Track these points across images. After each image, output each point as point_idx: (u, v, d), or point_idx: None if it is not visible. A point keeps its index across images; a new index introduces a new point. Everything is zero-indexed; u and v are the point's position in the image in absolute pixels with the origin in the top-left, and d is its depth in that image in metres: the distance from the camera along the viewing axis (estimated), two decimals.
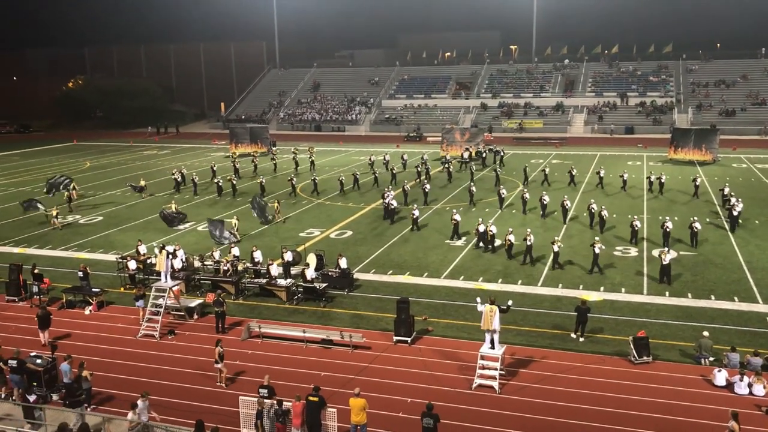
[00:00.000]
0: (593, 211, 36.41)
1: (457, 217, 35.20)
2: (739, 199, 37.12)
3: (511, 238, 31.39)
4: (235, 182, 49.20)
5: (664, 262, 28.02)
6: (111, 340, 23.72)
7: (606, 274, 29.19)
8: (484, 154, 60.37)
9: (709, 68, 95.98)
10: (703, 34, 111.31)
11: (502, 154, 60.81)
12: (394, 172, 52.39)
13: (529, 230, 31.91)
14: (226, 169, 57.67)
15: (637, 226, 33.39)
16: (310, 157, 60.71)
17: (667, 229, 32.08)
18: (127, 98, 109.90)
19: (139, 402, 17.00)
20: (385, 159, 59.21)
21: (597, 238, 30.86)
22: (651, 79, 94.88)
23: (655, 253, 30.82)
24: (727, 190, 38.74)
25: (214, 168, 54.83)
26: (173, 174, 51.68)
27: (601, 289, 27.57)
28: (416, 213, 37.03)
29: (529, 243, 30.53)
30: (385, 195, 40.56)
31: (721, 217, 38.77)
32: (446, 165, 55.22)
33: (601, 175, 48.34)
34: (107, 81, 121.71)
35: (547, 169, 50.72)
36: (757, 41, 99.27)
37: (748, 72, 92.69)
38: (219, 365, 20.02)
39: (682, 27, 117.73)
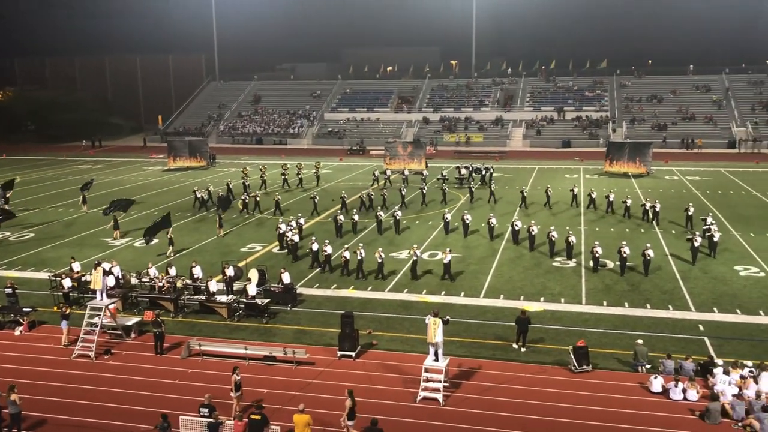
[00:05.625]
0: (596, 254, 31.70)
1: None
2: (714, 227, 35.40)
3: (346, 254, 31.16)
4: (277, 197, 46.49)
5: (445, 261, 30.31)
6: (43, 361, 22.82)
7: (547, 285, 29.74)
8: (483, 171, 57.68)
9: (642, 84, 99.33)
10: (636, 51, 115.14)
11: (491, 171, 58.13)
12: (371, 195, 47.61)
13: (361, 245, 32.03)
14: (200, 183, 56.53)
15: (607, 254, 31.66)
16: (316, 173, 58.45)
17: (624, 254, 30.78)
18: (60, 111, 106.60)
19: None
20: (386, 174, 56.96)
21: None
22: (587, 94, 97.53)
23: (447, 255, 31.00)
24: (710, 220, 37.03)
25: (246, 183, 52.60)
26: (196, 191, 48.59)
27: (542, 299, 28.02)
28: (362, 253, 31.00)
29: (359, 257, 30.64)
30: (281, 225, 36.61)
31: (655, 229, 39.99)
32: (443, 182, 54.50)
33: (575, 192, 46.56)
34: (39, 93, 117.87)
35: (526, 190, 47.99)
36: (685, 58, 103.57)
37: (677, 87, 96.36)
38: (234, 394, 18.97)
39: (616, 44, 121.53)
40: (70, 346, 23.56)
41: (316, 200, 45.62)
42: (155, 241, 36.16)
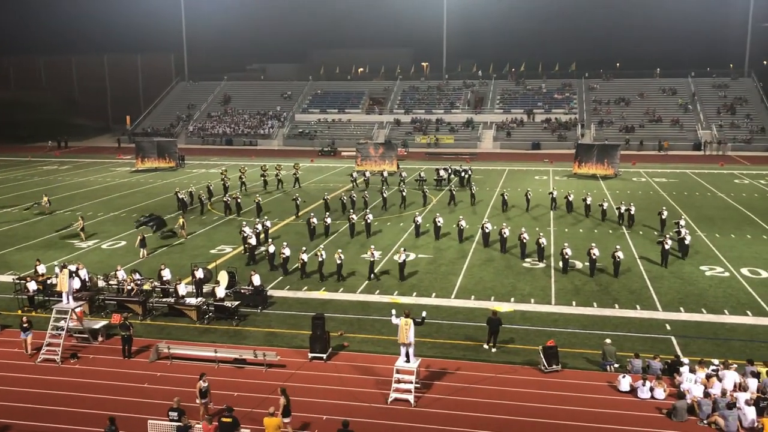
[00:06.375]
0: (565, 255, 31.97)
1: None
2: (686, 231, 35.75)
3: (304, 257, 31.05)
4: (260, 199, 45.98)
5: (399, 261, 30.73)
6: (7, 366, 22.32)
7: (517, 286, 29.96)
8: (462, 174, 57.48)
9: (610, 86, 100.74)
10: (604, 55, 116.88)
11: (470, 172, 58.09)
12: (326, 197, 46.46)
13: (322, 247, 32.04)
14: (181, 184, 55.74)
15: (595, 254, 31.25)
16: (294, 174, 57.68)
17: (594, 256, 31.03)
18: (24, 111, 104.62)
19: None
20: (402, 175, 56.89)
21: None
22: (556, 97, 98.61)
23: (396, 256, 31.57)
24: (682, 223, 37.39)
25: (227, 184, 51.76)
26: (177, 192, 47.72)
27: (512, 300, 28.21)
28: (323, 255, 30.98)
29: (320, 259, 30.63)
30: (244, 229, 35.58)
31: (623, 230, 40.51)
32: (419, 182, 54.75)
33: (554, 196, 46.51)
34: (2, 93, 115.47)
35: (507, 193, 47.60)
36: (653, 61, 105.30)
37: (645, 90, 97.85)
38: (200, 400, 18.59)
39: (584, 47, 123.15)
40: (36, 353, 23.00)
41: (298, 201, 45.28)
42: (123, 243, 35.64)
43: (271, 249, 32.64)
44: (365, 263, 32.57)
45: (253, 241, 34.21)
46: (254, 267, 31.79)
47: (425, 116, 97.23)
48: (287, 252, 31.70)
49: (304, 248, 32.02)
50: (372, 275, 30.94)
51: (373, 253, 31.11)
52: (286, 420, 17.75)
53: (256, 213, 44.11)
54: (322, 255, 30.83)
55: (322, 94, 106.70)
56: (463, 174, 57.61)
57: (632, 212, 41.42)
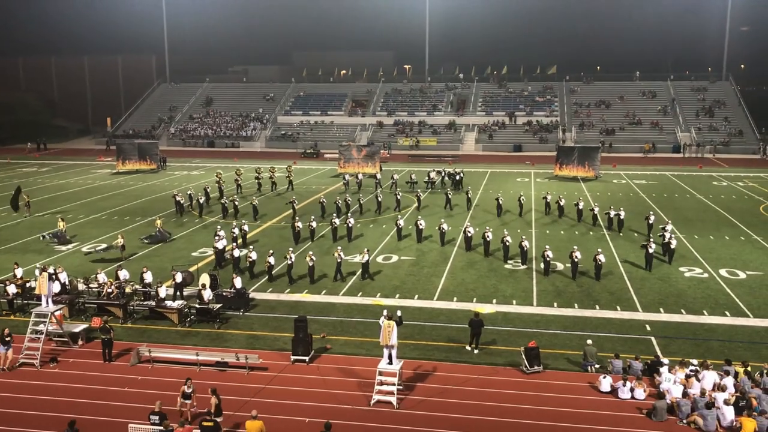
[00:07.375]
0: (547, 257, 31.94)
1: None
2: (673, 235, 35.91)
3: (271, 260, 30.94)
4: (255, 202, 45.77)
5: (363, 261, 31.13)
6: None
7: (499, 288, 30.10)
8: (457, 177, 56.61)
9: (591, 89, 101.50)
10: (585, 58, 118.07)
11: (461, 175, 57.36)
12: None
13: (291, 249, 32.19)
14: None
15: (577, 257, 31.43)
16: (288, 177, 57.36)
17: (576, 259, 31.15)
18: (3, 112, 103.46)
19: None
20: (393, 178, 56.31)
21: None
22: (537, 99, 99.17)
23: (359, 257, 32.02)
24: (669, 227, 37.30)
25: (222, 187, 51.37)
26: (176, 195, 46.92)
27: (494, 301, 28.33)
28: (292, 258, 31.11)
29: (290, 261, 30.70)
30: (219, 233, 34.52)
31: (604, 232, 40.82)
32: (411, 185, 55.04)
33: (548, 200, 45.97)
34: None
35: (501, 199, 46.05)
36: (632, 65, 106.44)
37: (625, 93, 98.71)
38: (184, 401, 18.58)
39: (565, 51, 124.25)
40: (10, 370, 22.34)
41: (295, 204, 44.95)
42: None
43: (236, 253, 32.50)
44: (348, 266, 32.61)
45: (219, 245, 33.64)
46: (236, 271, 31.71)
47: (408, 118, 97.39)
48: (254, 255, 31.57)
49: (271, 251, 31.88)
50: (338, 276, 31.18)
51: (340, 255, 31.33)
52: (219, 419, 17.76)
53: (252, 215, 44.03)
54: (291, 258, 30.84)
55: (304, 96, 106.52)
56: (456, 177, 57.17)
57: (622, 217, 41.01)
